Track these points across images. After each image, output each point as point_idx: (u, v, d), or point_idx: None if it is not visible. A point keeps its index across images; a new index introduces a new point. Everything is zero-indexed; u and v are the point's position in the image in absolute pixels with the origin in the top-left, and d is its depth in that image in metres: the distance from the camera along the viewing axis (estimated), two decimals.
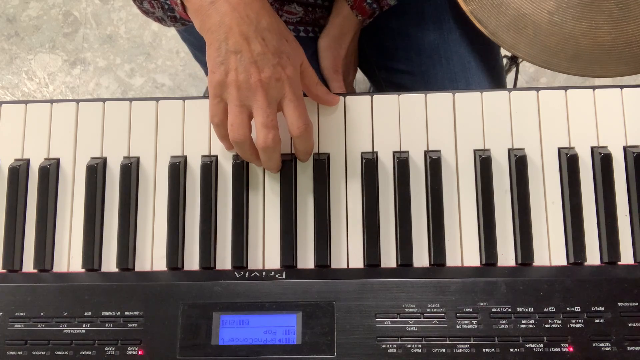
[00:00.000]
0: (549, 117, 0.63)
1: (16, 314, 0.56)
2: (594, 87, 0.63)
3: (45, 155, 0.65)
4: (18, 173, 0.63)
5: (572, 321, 0.54)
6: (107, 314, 0.56)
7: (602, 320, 0.54)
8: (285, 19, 0.82)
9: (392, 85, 0.90)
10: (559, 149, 0.62)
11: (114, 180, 0.64)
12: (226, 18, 0.56)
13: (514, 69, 1.20)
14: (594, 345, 0.54)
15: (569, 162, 0.61)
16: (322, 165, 0.62)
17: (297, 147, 0.61)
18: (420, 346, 0.54)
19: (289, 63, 0.57)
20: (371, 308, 0.55)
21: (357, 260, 0.61)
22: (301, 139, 0.59)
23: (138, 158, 0.64)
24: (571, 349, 0.54)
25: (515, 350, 0.54)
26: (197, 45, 0.89)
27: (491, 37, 0.70)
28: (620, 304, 0.54)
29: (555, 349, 0.54)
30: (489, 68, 0.84)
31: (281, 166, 0.62)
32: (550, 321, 0.54)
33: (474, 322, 0.54)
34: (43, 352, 0.55)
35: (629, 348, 0.53)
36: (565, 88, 0.63)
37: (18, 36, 1.64)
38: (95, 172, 0.63)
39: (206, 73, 0.94)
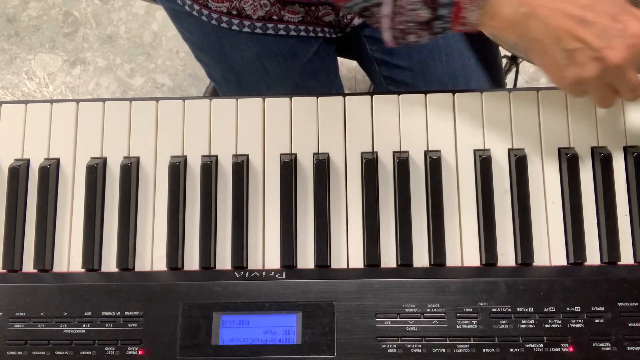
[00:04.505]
0: (549, 117, 0.63)
1: (16, 314, 0.56)
2: None
3: (45, 155, 0.65)
4: (18, 173, 0.63)
5: (572, 321, 0.54)
6: (107, 314, 0.56)
7: (602, 320, 0.54)
8: (287, 19, 0.82)
9: (392, 82, 0.90)
10: (559, 149, 0.62)
11: (114, 180, 0.64)
12: (550, 21, 0.52)
13: (514, 69, 1.20)
14: (594, 345, 0.54)
15: (569, 162, 0.61)
16: (322, 165, 0.62)
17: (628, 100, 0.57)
18: (420, 346, 0.54)
19: (627, 18, 0.51)
20: (371, 308, 0.55)
21: (357, 260, 0.61)
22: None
23: (138, 158, 0.64)
24: (571, 349, 0.54)
25: (515, 350, 0.54)
26: (198, 45, 0.88)
27: (491, 37, 0.70)
28: (620, 304, 0.54)
29: (555, 349, 0.54)
30: (488, 65, 0.84)
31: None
32: (550, 321, 0.54)
33: (474, 322, 0.54)
34: (43, 352, 0.55)
35: (629, 348, 0.53)
36: None
37: (18, 36, 1.64)
38: (95, 172, 0.63)
39: (207, 73, 0.94)
